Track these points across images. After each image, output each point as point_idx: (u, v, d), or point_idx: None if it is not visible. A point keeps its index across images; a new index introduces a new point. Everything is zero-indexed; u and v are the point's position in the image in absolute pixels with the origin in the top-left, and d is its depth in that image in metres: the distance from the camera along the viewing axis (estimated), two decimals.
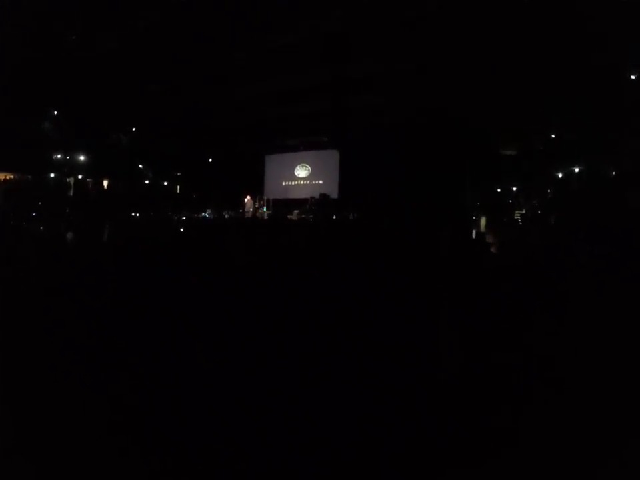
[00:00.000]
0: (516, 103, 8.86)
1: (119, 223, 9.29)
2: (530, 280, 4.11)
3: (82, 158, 12.56)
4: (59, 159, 12.14)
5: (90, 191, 13.14)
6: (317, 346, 2.49)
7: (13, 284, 3.50)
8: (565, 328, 2.81)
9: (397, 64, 9.15)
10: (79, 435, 1.62)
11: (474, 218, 10.16)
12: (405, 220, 9.73)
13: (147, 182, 14.73)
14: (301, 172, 15.08)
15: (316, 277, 4.28)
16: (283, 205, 13.83)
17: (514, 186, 10.81)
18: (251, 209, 13.07)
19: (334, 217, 11.54)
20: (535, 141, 10.13)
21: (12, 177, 11.38)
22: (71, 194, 12.37)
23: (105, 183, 13.50)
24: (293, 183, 15.25)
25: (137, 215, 12.53)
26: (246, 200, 13.19)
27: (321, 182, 14.36)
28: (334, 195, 13.30)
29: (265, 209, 13.39)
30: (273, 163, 15.84)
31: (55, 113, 11.48)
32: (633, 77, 7.46)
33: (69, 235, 6.95)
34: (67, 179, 12.40)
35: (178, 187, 16.06)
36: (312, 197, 12.80)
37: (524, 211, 9.84)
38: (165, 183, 15.52)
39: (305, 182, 14.97)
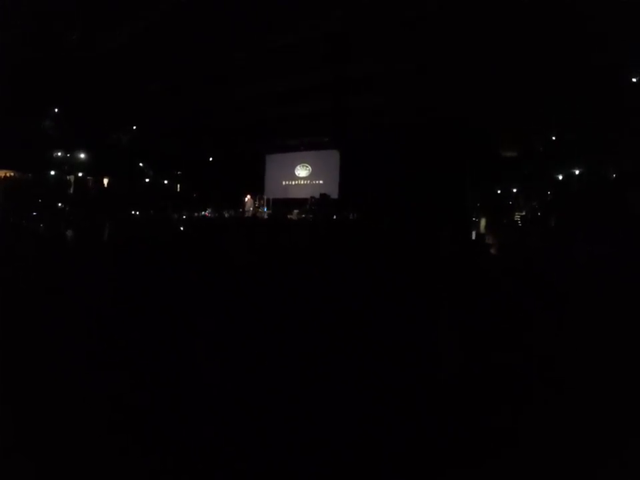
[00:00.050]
0: (516, 103, 8.86)
1: (119, 222, 9.29)
2: (529, 281, 4.12)
3: (82, 156, 12.54)
4: (59, 157, 12.11)
5: (90, 189, 13.12)
6: (316, 345, 2.49)
7: (12, 282, 3.50)
8: (564, 328, 2.81)
9: (397, 64, 9.14)
10: (79, 433, 1.62)
11: (474, 219, 10.16)
12: (405, 220, 9.73)
13: (147, 180, 14.71)
14: (301, 172, 15.09)
15: (316, 277, 4.28)
16: (283, 205, 13.83)
17: (514, 187, 10.81)
18: (251, 209, 13.07)
19: (334, 217, 11.55)
20: (535, 142, 10.12)
21: (12, 174, 11.36)
22: (71, 192, 12.35)
23: (105, 181, 13.48)
24: (293, 182, 15.25)
25: (137, 213, 12.54)
26: (246, 199, 13.20)
27: (321, 182, 14.36)
28: (334, 194, 13.30)
29: (265, 209, 13.40)
30: (273, 163, 15.84)
31: (56, 111, 11.46)
32: (634, 79, 7.45)
33: (69, 233, 6.96)
34: (67, 177, 12.37)
35: (178, 185, 16.05)
36: (312, 197, 12.80)
37: (524, 213, 9.84)
38: (165, 182, 15.50)
39: (305, 182, 14.98)
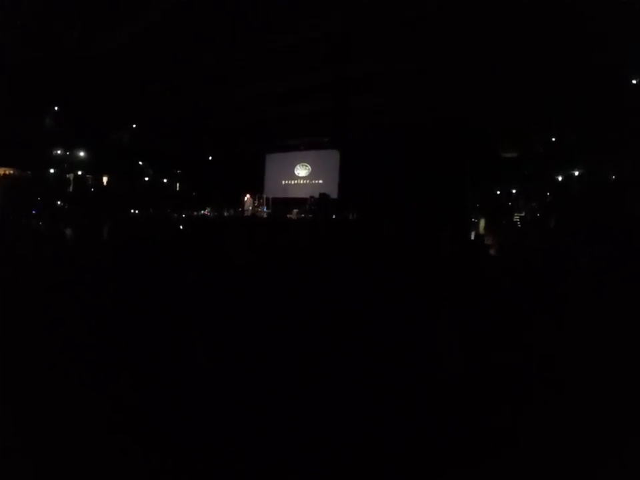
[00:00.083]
0: (516, 103, 8.87)
1: (119, 221, 9.29)
2: (529, 281, 4.12)
3: (81, 154, 12.53)
4: (58, 155, 12.10)
5: (89, 187, 13.11)
6: (316, 345, 2.49)
7: (11, 281, 3.50)
8: (564, 328, 2.81)
9: (397, 64, 9.14)
10: (79, 433, 1.62)
11: (473, 219, 10.16)
12: (405, 220, 9.73)
13: (146, 179, 14.71)
14: (301, 171, 15.08)
15: (315, 276, 4.28)
16: (283, 204, 13.84)
17: (513, 188, 10.81)
18: (250, 208, 13.08)
19: (333, 217, 11.56)
20: (535, 143, 10.12)
21: (11, 172, 11.35)
22: (71, 190, 12.34)
23: (105, 179, 13.48)
24: (292, 182, 15.25)
25: (136, 212, 12.54)
26: (245, 198, 13.20)
27: (320, 181, 14.36)
28: (334, 194, 13.30)
29: (265, 208, 13.41)
30: (273, 162, 15.84)
31: (55, 109, 11.46)
32: (634, 81, 7.45)
33: (68, 232, 6.96)
34: (67, 175, 12.36)
35: (177, 184, 16.05)
36: (311, 197, 12.81)
37: (523, 214, 9.84)
38: (165, 180, 15.50)
39: (304, 181, 14.98)
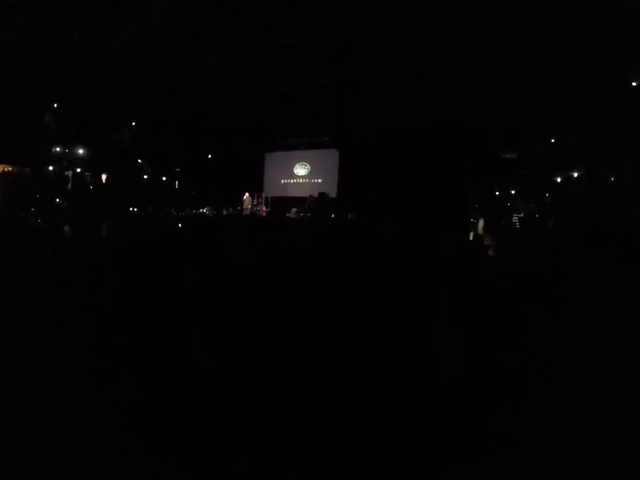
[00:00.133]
0: (516, 104, 8.87)
1: (118, 219, 9.29)
2: (528, 282, 4.13)
3: (80, 152, 12.52)
4: (57, 152, 12.08)
5: (88, 185, 13.11)
6: (316, 345, 2.49)
7: (10, 278, 3.50)
8: (563, 329, 2.81)
9: (397, 64, 9.15)
10: (79, 433, 1.62)
11: (471, 220, 10.16)
12: (404, 220, 9.73)
13: (145, 177, 14.71)
14: (300, 170, 15.09)
15: (314, 276, 4.28)
16: (282, 203, 13.86)
17: (513, 189, 10.81)
18: (249, 206, 13.08)
19: (332, 216, 11.56)
20: (535, 144, 10.13)
21: (10, 169, 11.33)
22: (69, 187, 12.33)
23: (104, 177, 13.48)
24: (292, 181, 15.26)
25: (136, 210, 12.54)
26: (244, 197, 13.20)
27: (319, 181, 14.37)
28: (333, 194, 13.31)
29: (264, 207, 13.43)
30: (272, 161, 15.85)
31: (55, 108, 11.45)
32: (634, 83, 7.46)
33: (67, 229, 6.95)
34: (66, 173, 12.35)
35: (177, 183, 16.06)
36: (311, 196, 12.82)
37: (522, 214, 9.84)
38: (164, 179, 15.50)
39: (303, 180, 14.99)
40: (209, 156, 16.29)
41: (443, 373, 2.20)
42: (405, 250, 6.11)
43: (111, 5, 7.66)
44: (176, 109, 12.45)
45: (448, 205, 10.20)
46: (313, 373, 2.17)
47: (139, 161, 14.47)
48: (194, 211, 13.06)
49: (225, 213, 12.92)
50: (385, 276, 4.24)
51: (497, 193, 11.10)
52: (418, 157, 11.14)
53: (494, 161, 10.60)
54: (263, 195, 14.09)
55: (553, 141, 9.84)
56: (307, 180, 14.89)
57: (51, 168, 12.01)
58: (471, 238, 8.43)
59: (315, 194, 12.82)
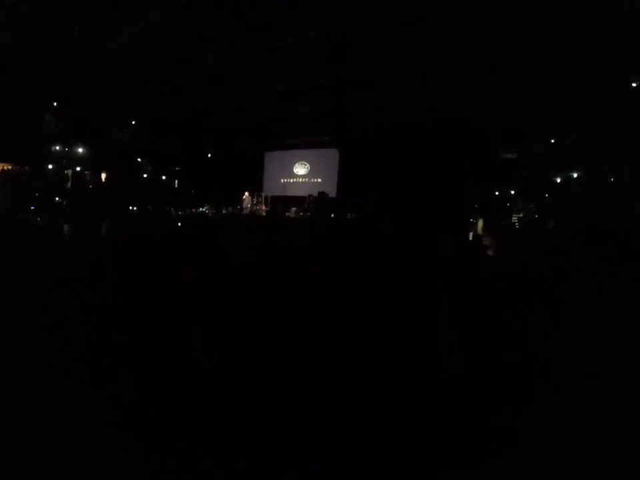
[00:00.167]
0: (516, 104, 8.87)
1: (117, 218, 9.29)
2: (527, 282, 4.13)
3: (80, 150, 12.52)
4: (57, 151, 12.07)
5: (88, 184, 13.11)
6: (316, 344, 2.49)
7: (9, 276, 3.50)
8: (563, 329, 2.81)
9: (397, 64, 9.15)
10: (79, 433, 1.62)
11: (471, 220, 10.16)
12: (404, 220, 9.74)
13: (145, 176, 14.71)
14: (300, 170, 15.08)
15: (314, 275, 4.28)
16: (282, 202, 13.85)
17: (512, 189, 10.82)
18: (249, 206, 13.09)
19: (332, 216, 11.57)
20: (535, 144, 10.13)
21: (9, 167, 11.33)
22: (69, 186, 12.33)
23: (103, 176, 13.48)
24: (291, 180, 15.25)
25: (135, 209, 12.54)
26: (244, 196, 13.21)
27: (319, 180, 14.36)
28: (332, 193, 13.31)
29: (263, 206, 13.43)
30: (272, 160, 15.85)
31: (55, 107, 11.44)
32: (634, 84, 7.46)
33: (66, 228, 6.95)
34: (65, 171, 12.35)
35: (176, 182, 16.06)
36: (310, 195, 12.82)
37: (521, 215, 9.84)
38: (164, 178, 15.50)
39: (303, 180, 14.98)
40: (209, 155, 16.28)
41: (442, 373, 2.20)
42: (405, 250, 6.11)
43: (111, 4, 7.65)
44: (176, 108, 12.45)
45: (448, 205, 10.19)
46: (312, 372, 2.17)
47: (139, 160, 14.45)
48: (194, 210, 13.06)
49: (224, 212, 12.92)
50: (384, 276, 4.24)
51: (497, 193, 11.10)
52: (418, 157, 11.14)
53: (494, 161, 10.59)
54: (263, 194, 14.10)
55: (552, 141, 9.84)
56: (307, 179, 14.89)
57: (50, 166, 12.00)
58: (471, 238, 8.44)
59: (315, 193, 12.82)
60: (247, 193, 13.25)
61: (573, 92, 7.83)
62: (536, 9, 6.42)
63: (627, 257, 4.27)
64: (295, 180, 15.17)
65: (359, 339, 2.55)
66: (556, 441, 1.64)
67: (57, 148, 12.08)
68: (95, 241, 6.47)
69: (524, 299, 3.48)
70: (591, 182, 8.61)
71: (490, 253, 6.38)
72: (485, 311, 3.16)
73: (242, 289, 3.69)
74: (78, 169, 12.66)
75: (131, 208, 12.52)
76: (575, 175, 9.26)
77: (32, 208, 9.86)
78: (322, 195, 12.66)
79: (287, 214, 12.18)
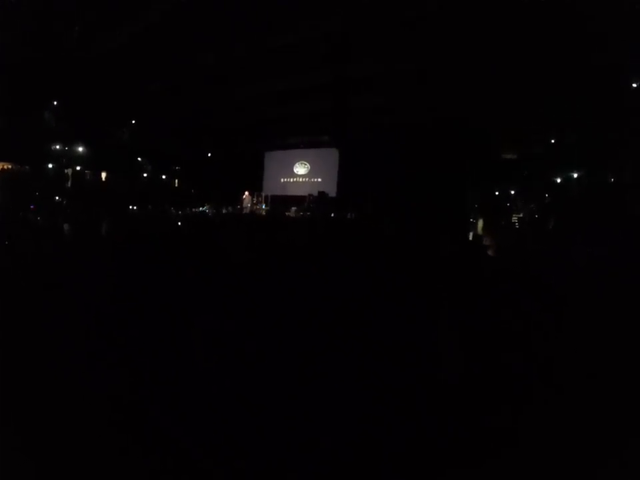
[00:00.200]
0: (516, 104, 8.86)
1: (117, 217, 9.29)
2: (527, 282, 4.12)
3: (80, 150, 12.52)
4: (57, 150, 12.07)
5: (88, 183, 13.11)
6: (316, 344, 2.49)
7: (9, 275, 3.49)
8: (563, 329, 2.81)
9: (397, 64, 9.14)
10: (79, 433, 1.62)
11: (472, 220, 10.16)
12: (404, 220, 9.73)
13: (145, 175, 14.72)
14: (300, 169, 15.08)
15: (314, 275, 4.28)
16: (282, 202, 13.85)
17: (512, 189, 10.82)
18: (249, 205, 13.09)
19: (332, 215, 11.57)
20: (535, 144, 10.12)
21: (10, 166, 11.33)
22: (69, 185, 12.33)
23: (103, 175, 13.49)
24: (291, 180, 15.25)
25: (135, 208, 12.54)
26: (244, 196, 13.21)
27: (319, 180, 14.36)
28: (332, 193, 13.31)
29: (263, 206, 13.43)
30: (272, 160, 15.84)
31: (55, 107, 11.44)
32: (634, 84, 7.45)
33: (66, 227, 6.95)
34: (65, 170, 12.35)
35: (176, 181, 16.07)
36: (310, 195, 12.82)
37: (521, 215, 9.84)
38: (164, 177, 15.50)
39: (303, 179, 14.98)
40: (209, 155, 16.28)
41: (442, 373, 2.20)
42: (405, 250, 6.11)
43: (111, 4, 7.65)
44: (176, 108, 12.44)
45: (448, 205, 10.19)
46: (312, 372, 2.17)
47: (139, 159, 14.45)
48: (193, 210, 13.07)
49: (224, 211, 12.92)
50: (384, 275, 4.24)
51: (497, 193, 11.10)
52: (418, 157, 11.13)
53: (494, 161, 10.59)
54: (263, 194, 14.09)
55: (553, 141, 9.84)
56: (307, 179, 14.89)
57: (50, 166, 11.99)
58: (471, 238, 8.44)
59: (315, 193, 12.82)
60: (247, 193, 13.25)
61: (573, 92, 7.82)
62: (536, 9, 6.42)
63: (627, 257, 4.27)
64: (294, 180, 15.16)
65: (358, 339, 2.55)
66: (556, 441, 1.64)
67: (57, 147, 12.07)
68: (94, 240, 6.47)
69: (524, 298, 3.48)
70: (591, 182, 8.61)
71: (490, 252, 6.38)
72: (484, 311, 3.16)
73: (242, 288, 3.69)
74: (78, 168, 12.66)
75: (130, 207, 12.52)
76: (575, 175, 9.25)
77: (32, 207, 9.86)
78: (322, 194, 12.66)
79: (287, 213, 12.18)
